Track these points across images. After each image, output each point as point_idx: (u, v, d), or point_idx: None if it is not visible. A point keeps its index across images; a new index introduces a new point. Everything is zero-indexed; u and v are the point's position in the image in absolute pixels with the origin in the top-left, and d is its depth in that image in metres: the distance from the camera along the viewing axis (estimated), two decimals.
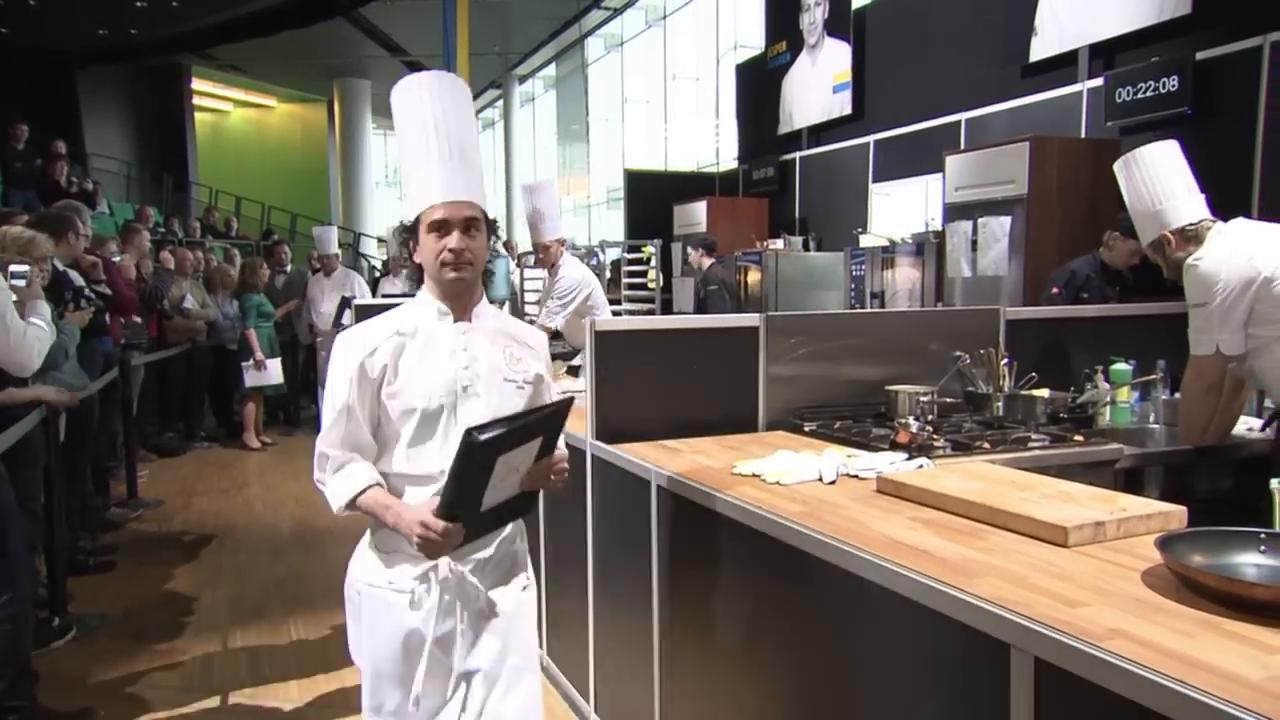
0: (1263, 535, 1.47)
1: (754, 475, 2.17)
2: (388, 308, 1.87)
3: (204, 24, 15.28)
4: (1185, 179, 2.67)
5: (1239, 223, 2.62)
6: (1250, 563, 1.44)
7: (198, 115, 20.17)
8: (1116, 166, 2.79)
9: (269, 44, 15.70)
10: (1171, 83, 4.67)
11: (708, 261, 6.64)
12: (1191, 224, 2.62)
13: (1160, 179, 2.66)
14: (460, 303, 1.79)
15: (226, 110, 23.59)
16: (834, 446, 2.49)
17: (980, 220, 5.05)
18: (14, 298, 3.04)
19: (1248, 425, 2.92)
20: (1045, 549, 1.58)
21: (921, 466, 2.17)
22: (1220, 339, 2.51)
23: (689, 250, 6.84)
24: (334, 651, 3.50)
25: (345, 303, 6.74)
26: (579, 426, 2.83)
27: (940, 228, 5.62)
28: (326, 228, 8.61)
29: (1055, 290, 4.17)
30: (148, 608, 3.98)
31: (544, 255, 4.58)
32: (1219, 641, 1.18)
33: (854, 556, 1.59)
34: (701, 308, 6.56)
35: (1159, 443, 2.95)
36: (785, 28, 8.71)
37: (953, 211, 5.33)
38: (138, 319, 6.31)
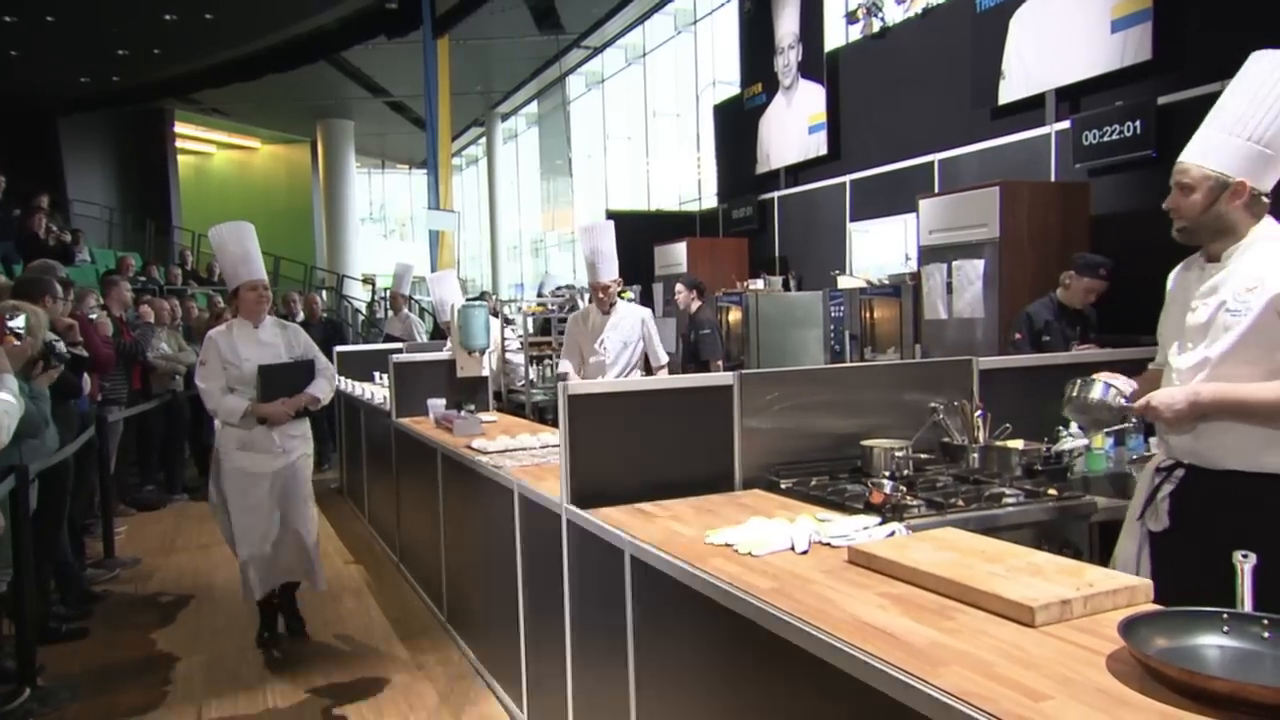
0: (1225, 615, 1.47)
1: (726, 545, 2.16)
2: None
3: (187, 69, 15.39)
4: None
5: None
6: (1214, 644, 1.44)
7: (181, 158, 20.23)
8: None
9: (252, 87, 15.80)
10: (1136, 126, 4.75)
11: (696, 303, 6.49)
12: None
13: None
14: None
15: (210, 153, 23.67)
16: (809, 508, 2.48)
17: (955, 263, 5.10)
18: None
19: None
20: (1012, 629, 1.58)
21: (894, 533, 2.17)
22: None
23: (677, 287, 6.67)
24: (310, 719, 3.45)
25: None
26: (554, 489, 2.82)
27: (916, 268, 5.67)
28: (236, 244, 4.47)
29: (1018, 336, 4.16)
30: (122, 676, 3.90)
31: (603, 295, 4.73)
32: None
33: (820, 641, 1.58)
34: (693, 352, 6.32)
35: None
36: (760, 70, 8.84)
37: (927, 254, 5.39)
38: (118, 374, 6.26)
